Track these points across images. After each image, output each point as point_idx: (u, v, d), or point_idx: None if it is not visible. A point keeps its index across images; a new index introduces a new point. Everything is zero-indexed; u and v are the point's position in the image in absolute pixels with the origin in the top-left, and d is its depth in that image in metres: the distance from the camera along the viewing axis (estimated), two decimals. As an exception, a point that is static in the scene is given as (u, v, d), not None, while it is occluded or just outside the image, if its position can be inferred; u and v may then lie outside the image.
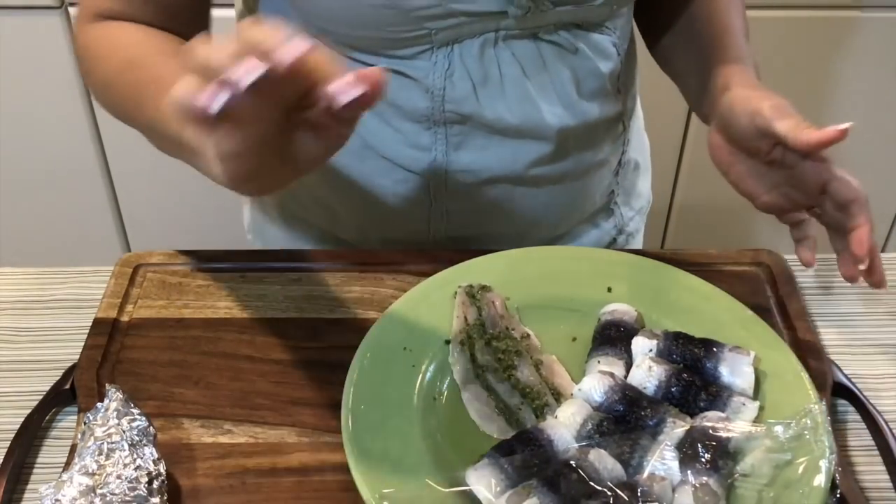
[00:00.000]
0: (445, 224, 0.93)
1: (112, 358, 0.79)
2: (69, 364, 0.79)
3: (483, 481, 0.63)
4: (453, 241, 0.94)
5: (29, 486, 0.71)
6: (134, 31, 0.79)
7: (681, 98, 1.74)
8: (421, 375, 0.75)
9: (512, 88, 0.84)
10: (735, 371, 0.73)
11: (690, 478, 0.64)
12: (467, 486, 0.64)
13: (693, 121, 1.69)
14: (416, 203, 0.91)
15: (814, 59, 1.63)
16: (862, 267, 0.75)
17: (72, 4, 1.50)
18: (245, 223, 1.09)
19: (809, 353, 0.80)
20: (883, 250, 1.87)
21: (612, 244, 1.04)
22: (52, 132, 1.67)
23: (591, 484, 0.62)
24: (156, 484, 0.64)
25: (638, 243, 1.09)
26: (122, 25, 0.80)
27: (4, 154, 1.70)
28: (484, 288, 0.81)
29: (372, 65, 0.82)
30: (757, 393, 0.72)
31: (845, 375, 0.78)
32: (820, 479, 0.64)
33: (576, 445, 0.66)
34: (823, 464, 0.64)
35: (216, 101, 0.49)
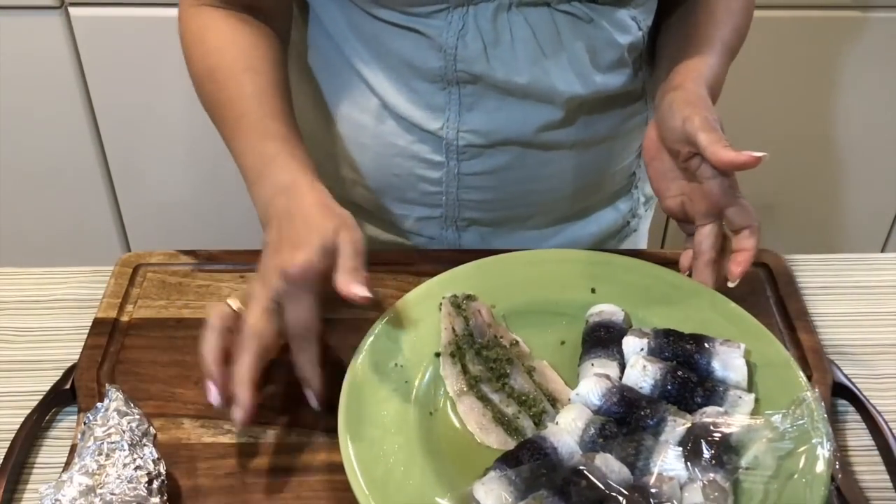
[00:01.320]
0: (458, 188, 0.94)
1: (112, 358, 0.79)
2: (69, 364, 0.79)
3: (492, 495, 0.63)
4: (465, 205, 0.95)
5: (29, 486, 0.71)
6: (219, 34, 0.88)
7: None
8: (415, 391, 0.74)
9: (522, 51, 0.86)
10: (728, 365, 0.73)
11: (698, 475, 0.64)
12: (476, 501, 0.63)
13: (693, 121, 1.68)
14: (431, 164, 0.92)
15: (814, 59, 1.63)
16: (731, 285, 0.79)
17: (72, 4, 1.50)
18: None
19: (809, 353, 0.80)
20: (883, 250, 1.87)
21: (625, 227, 1.05)
22: (52, 132, 1.67)
23: (602, 489, 0.62)
24: (156, 484, 0.64)
25: (644, 230, 1.10)
26: (215, 22, 0.89)
27: (4, 154, 1.70)
28: (469, 297, 0.80)
29: (391, 22, 0.86)
30: (749, 384, 0.73)
31: (845, 375, 0.78)
32: (821, 467, 0.64)
33: (580, 452, 0.66)
34: (823, 451, 0.65)
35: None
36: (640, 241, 1.10)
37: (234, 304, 0.73)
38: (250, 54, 0.87)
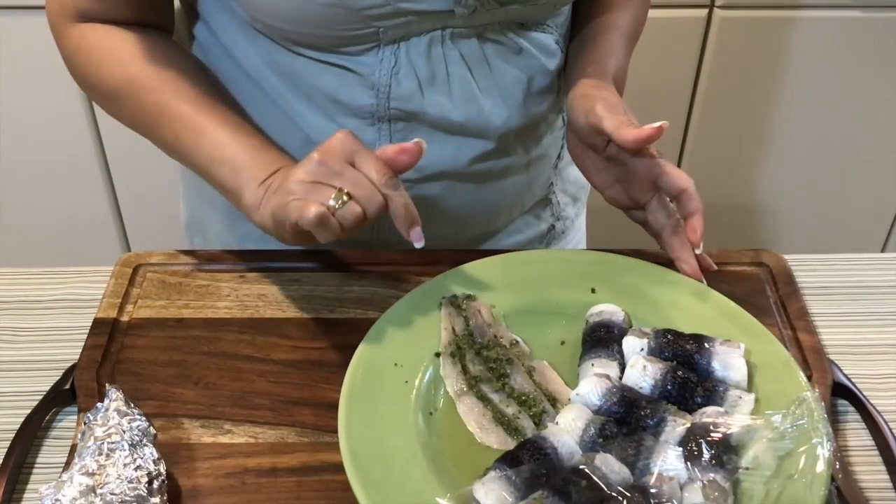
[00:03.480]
0: (389, 221, 0.92)
1: (112, 358, 0.79)
2: (69, 364, 0.79)
3: (493, 495, 0.63)
4: (394, 232, 0.94)
5: (29, 486, 0.71)
6: (128, 42, 0.84)
7: (680, 99, 1.75)
8: (415, 391, 0.74)
9: (458, 87, 0.85)
10: (728, 365, 0.73)
11: (698, 475, 0.64)
12: (476, 501, 0.63)
13: (692, 121, 1.69)
14: None
15: (814, 59, 1.63)
16: (698, 251, 0.80)
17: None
18: (182, 221, 1.07)
19: (809, 353, 0.80)
20: (883, 250, 1.87)
21: (550, 231, 1.05)
22: (52, 132, 1.67)
23: (602, 489, 0.62)
24: (156, 484, 0.64)
25: (579, 229, 1.10)
26: (114, 34, 0.84)
27: (4, 154, 1.70)
28: (469, 297, 0.80)
29: (316, 59, 0.83)
30: (749, 384, 0.73)
31: (845, 375, 0.78)
32: (821, 467, 0.64)
33: (580, 452, 0.66)
34: (823, 451, 0.65)
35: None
36: (576, 239, 1.10)
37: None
38: (171, 58, 0.84)
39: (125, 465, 0.64)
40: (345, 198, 0.71)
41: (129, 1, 0.85)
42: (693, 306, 0.80)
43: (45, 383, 0.78)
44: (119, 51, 0.84)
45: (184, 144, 0.82)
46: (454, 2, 0.80)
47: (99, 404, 0.68)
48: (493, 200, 0.95)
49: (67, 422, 0.76)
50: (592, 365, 0.74)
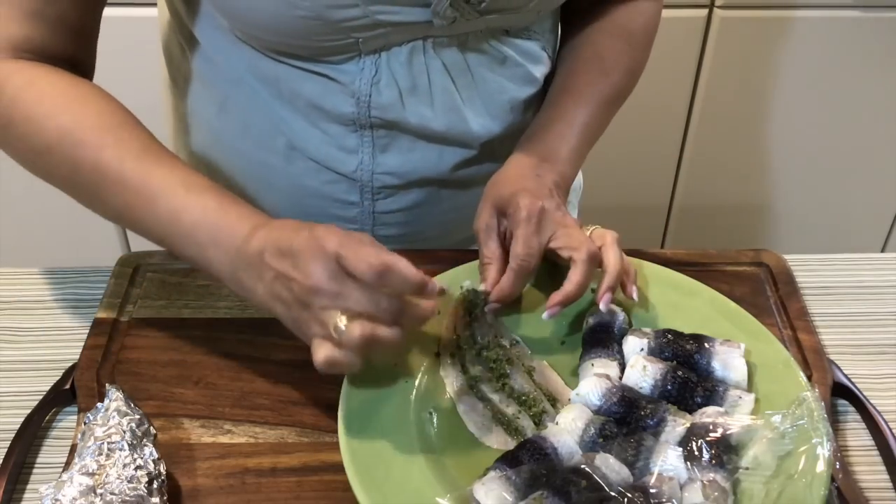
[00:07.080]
0: (374, 225, 0.93)
1: (112, 358, 0.79)
2: (69, 364, 0.79)
3: (492, 495, 0.63)
4: (379, 239, 0.93)
5: (29, 486, 0.71)
6: (59, 87, 0.77)
7: (680, 99, 1.74)
8: (415, 391, 0.74)
9: (440, 97, 0.85)
10: (728, 365, 0.73)
11: (697, 475, 0.64)
12: (476, 501, 0.63)
13: (692, 122, 1.69)
14: (345, 204, 0.91)
15: (814, 59, 1.63)
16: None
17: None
18: None
19: (809, 353, 0.80)
20: (883, 250, 1.87)
21: None
22: (52, 132, 1.66)
23: (602, 489, 0.62)
24: (156, 484, 0.64)
25: None
26: (44, 76, 0.78)
27: (4, 154, 1.70)
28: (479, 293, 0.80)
29: (297, 66, 0.83)
30: (749, 384, 0.73)
31: (845, 375, 0.78)
32: (821, 467, 0.64)
33: (580, 452, 0.66)
34: (823, 451, 0.65)
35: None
36: None
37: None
38: (106, 106, 0.77)
39: (125, 465, 0.64)
40: (343, 323, 0.64)
41: (64, 28, 0.79)
42: (693, 306, 0.80)
43: (45, 383, 0.78)
44: (51, 98, 0.76)
45: (136, 211, 0.74)
46: (432, 13, 0.79)
47: (99, 404, 0.68)
48: (477, 205, 0.94)
49: (67, 422, 0.76)
50: (592, 365, 0.74)
